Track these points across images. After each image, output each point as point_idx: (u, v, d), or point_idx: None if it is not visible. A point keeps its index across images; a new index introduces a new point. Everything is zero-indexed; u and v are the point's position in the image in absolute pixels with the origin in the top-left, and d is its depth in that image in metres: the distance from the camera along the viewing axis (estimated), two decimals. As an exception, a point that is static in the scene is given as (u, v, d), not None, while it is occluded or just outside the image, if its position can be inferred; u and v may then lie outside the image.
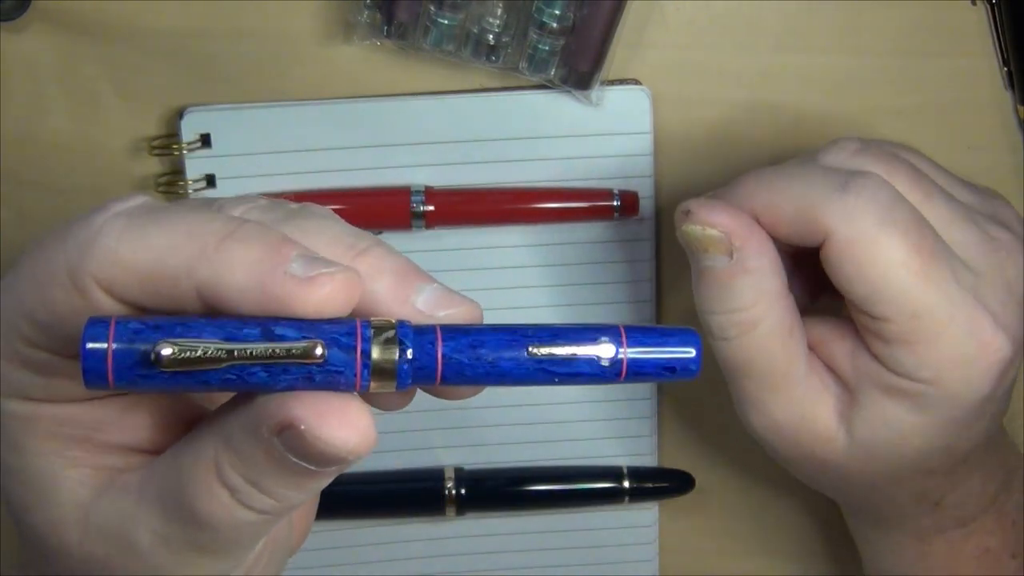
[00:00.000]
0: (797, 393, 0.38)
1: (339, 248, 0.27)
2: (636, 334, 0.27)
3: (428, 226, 0.46)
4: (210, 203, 0.28)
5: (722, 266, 0.36)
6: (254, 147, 0.45)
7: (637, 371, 0.27)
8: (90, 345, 0.24)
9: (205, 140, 0.45)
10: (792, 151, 0.48)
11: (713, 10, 0.46)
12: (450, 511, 0.49)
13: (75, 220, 0.26)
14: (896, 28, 0.47)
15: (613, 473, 0.50)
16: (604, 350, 0.26)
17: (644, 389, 0.49)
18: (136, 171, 0.46)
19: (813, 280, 0.40)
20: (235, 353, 0.24)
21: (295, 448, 0.25)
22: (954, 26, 0.47)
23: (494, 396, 0.49)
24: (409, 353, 0.25)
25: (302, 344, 0.24)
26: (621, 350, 0.26)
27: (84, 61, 0.45)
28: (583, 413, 0.50)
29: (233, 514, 0.26)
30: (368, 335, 0.25)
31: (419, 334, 0.26)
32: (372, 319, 0.26)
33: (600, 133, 0.46)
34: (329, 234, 0.27)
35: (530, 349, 0.26)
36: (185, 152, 0.45)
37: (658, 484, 0.50)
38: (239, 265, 0.25)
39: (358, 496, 0.49)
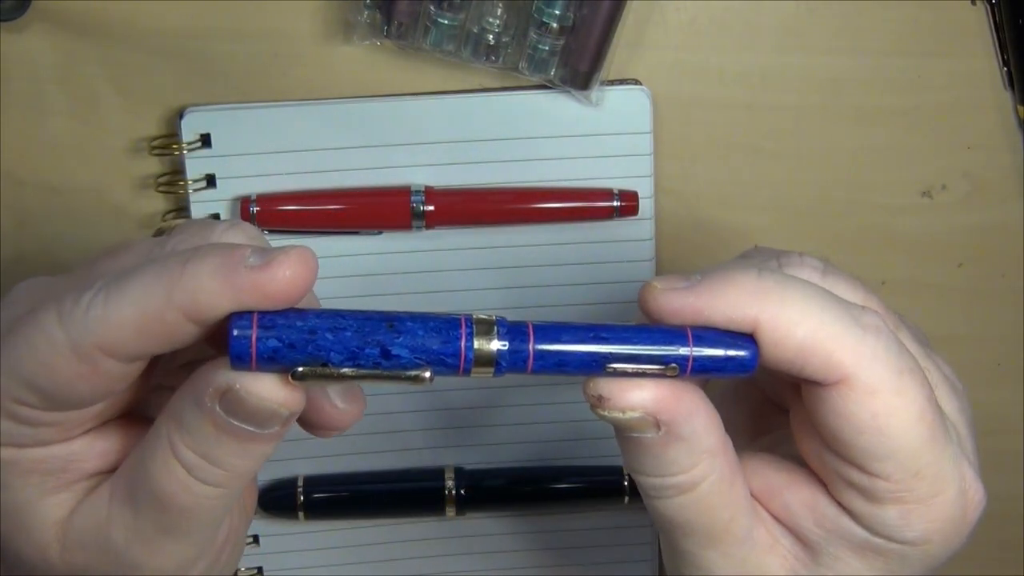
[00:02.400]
0: (742, 551, 0.33)
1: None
2: (702, 335, 0.30)
3: (428, 226, 0.46)
4: (161, 243, 0.31)
5: (652, 436, 0.31)
6: (254, 147, 0.45)
7: (700, 369, 0.30)
8: (236, 333, 0.27)
9: (205, 140, 0.45)
10: (792, 151, 0.48)
11: (713, 10, 0.46)
12: (450, 511, 0.49)
13: (64, 293, 0.29)
14: (896, 28, 0.47)
15: (613, 473, 0.50)
16: (674, 351, 0.30)
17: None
18: (136, 171, 0.46)
19: (755, 415, 0.37)
20: (357, 373, 0.28)
21: (236, 411, 0.28)
22: (954, 26, 0.47)
23: (494, 396, 0.49)
24: (506, 345, 0.29)
25: (413, 372, 0.28)
26: (688, 350, 0.30)
27: (84, 61, 0.45)
28: (583, 413, 0.50)
29: (190, 489, 0.29)
30: (471, 330, 0.29)
31: (514, 329, 0.29)
32: (474, 315, 0.29)
33: (600, 133, 0.46)
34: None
35: (603, 349, 0.30)
36: (185, 152, 0.45)
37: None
38: (205, 277, 0.27)
39: (358, 496, 0.49)
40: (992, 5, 0.46)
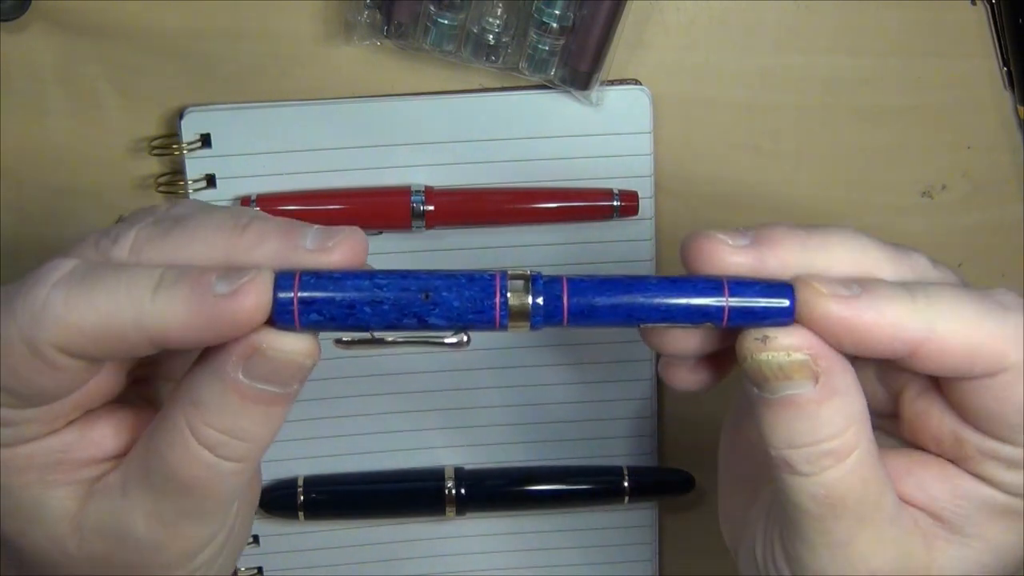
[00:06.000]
0: (893, 531, 0.32)
1: (224, 232, 0.30)
2: (739, 285, 0.30)
3: (428, 226, 0.46)
4: (107, 232, 0.31)
5: (808, 393, 0.30)
6: (254, 147, 0.45)
7: (738, 320, 0.30)
8: (280, 294, 0.28)
9: (205, 140, 0.45)
10: (792, 151, 0.48)
11: (713, 10, 0.46)
12: (450, 511, 0.49)
13: (17, 292, 0.29)
14: (896, 28, 0.47)
15: (613, 473, 0.50)
16: (709, 301, 0.30)
17: (644, 389, 0.49)
18: (136, 171, 0.46)
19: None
20: (396, 338, 0.30)
21: (260, 372, 0.29)
22: (954, 26, 0.47)
23: (494, 396, 0.49)
24: (540, 300, 0.29)
25: (451, 338, 0.30)
26: (724, 300, 0.30)
27: (84, 61, 0.45)
28: (583, 413, 0.50)
29: (215, 469, 0.30)
30: (506, 284, 0.29)
31: (548, 283, 0.30)
32: (509, 270, 0.30)
33: (600, 133, 0.46)
34: (212, 224, 0.30)
35: (641, 299, 0.30)
36: (185, 152, 0.45)
37: (658, 484, 0.50)
38: (173, 309, 0.28)
39: (358, 496, 0.49)
40: (992, 5, 0.46)
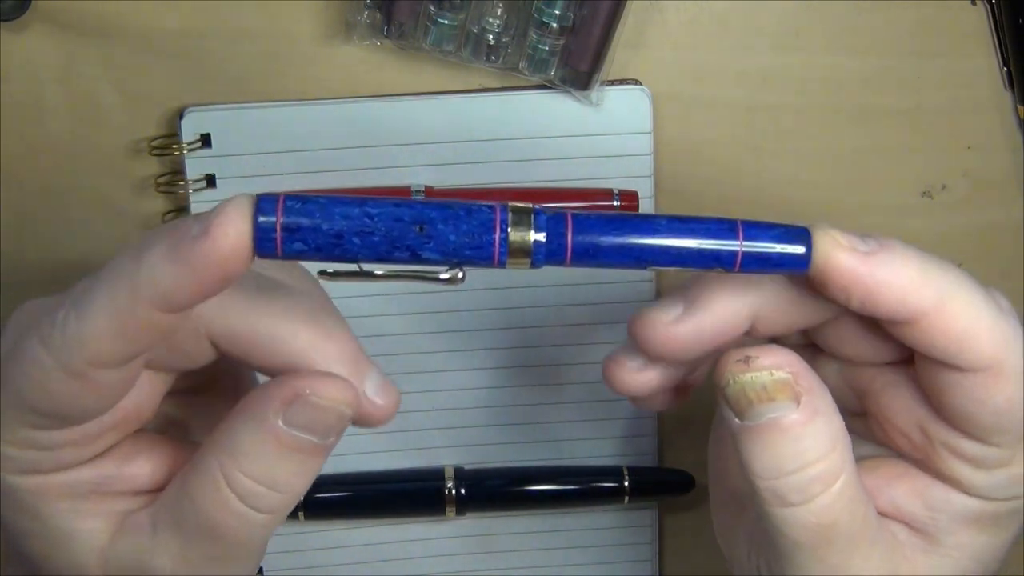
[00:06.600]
0: (878, 551, 0.32)
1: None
2: (754, 228, 0.28)
3: (428, 226, 0.46)
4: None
5: (791, 415, 0.30)
6: (254, 147, 0.45)
7: (752, 265, 0.28)
8: (262, 218, 0.26)
9: (205, 140, 0.45)
10: (792, 151, 0.48)
11: (713, 10, 0.46)
12: (450, 511, 0.49)
13: (40, 322, 0.28)
14: (896, 28, 0.47)
15: (613, 473, 0.50)
16: (722, 244, 0.28)
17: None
18: (136, 171, 0.46)
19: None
20: (387, 272, 0.28)
21: (301, 418, 0.29)
22: (954, 26, 0.47)
23: (494, 396, 0.49)
24: (543, 236, 0.27)
25: (445, 273, 0.28)
26: (738, 244, 0.28)
27: (84, 61, 0.45)
28: (583, 413, 0.50)
29: (246, 519, 0.29)
30: (506, 218, 0.27)
31: (552, 219, 0.28)
32: (511, 204, 0.28)
33: (600, 133, 0.46)
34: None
35: (649, 240, 0.28)
36: (185, 152, 0.45)
37: (658, 484, 0.50)
38: (159, 264, 0.27)
39: (358, 496, 0.49)
40: (992, 5, 0.46)
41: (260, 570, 0.50)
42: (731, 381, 0.30)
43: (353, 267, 0.28)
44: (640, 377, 0.33)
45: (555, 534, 0.51)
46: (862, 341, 0.33)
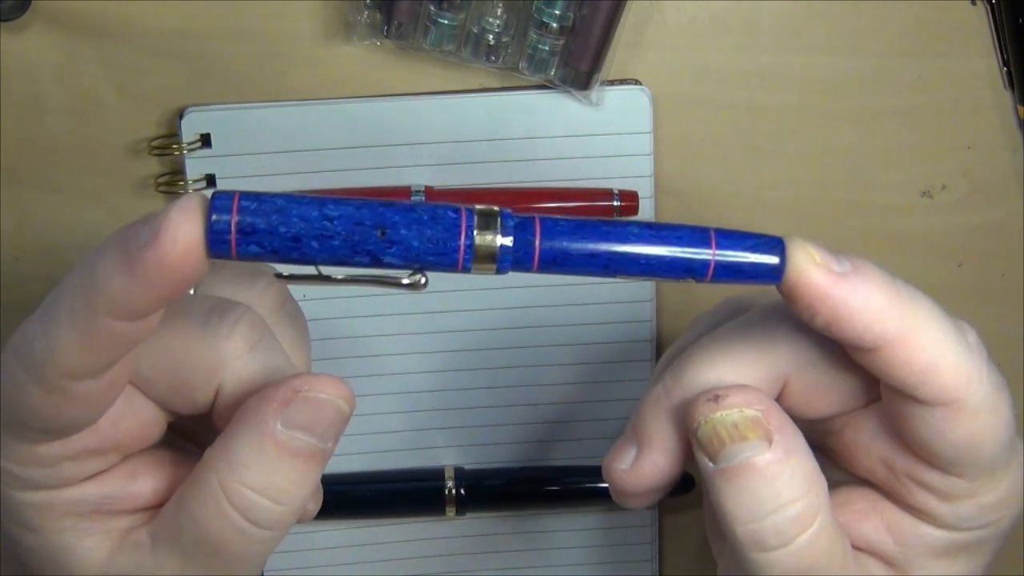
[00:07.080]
0: None
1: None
2: (727, 237, 0.27)
3: (428, 226, 0.46)
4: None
5: (765, 454, 0.29)
6: (254, 147, 0.45)
7: (724, 275, 0.27)
8: (215, 217, 0.25)
9: (205, 140, 0.45)
10: (792, 151, 0.48)
11: (713, 10, 0.46)
12: (450, 511, 0.49)
13: (13, 338, 0.28)
14: (896, 28, 0.47)
15: (613, 473, 0.50)
16: (694, 253, 0.27)
17: (644, 389, 0.49)
18: (136, 171, 0.46)
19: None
20: (346, 276, 0.27)
21: (299, 418, 0.29)
22: (954, 26, 0.47)
23: (494, 396, 0.49)
24: (509, 241, 0.26)
25: (407, 279, 0.27)
26: (711, 253, 0.27)
27: (84, 61, 0.45)
28: (583, 413, 0.50)
29: (246, 534, 0.29)
30: (472, 224, 0.26)
31: (519, 224, 0.27)
32: (476, 207, 0.27)
33: (600, 133, 0.46)
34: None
35: (620, 247, 0.27)
36: (185, 152, 0.45)
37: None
38: (111, 274, 0.26)
39: (358, 496, 0.49)
40: (992, 5, 0.46)
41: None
42: (702, 421, 0.30)
43: (311, 270, 0.27)
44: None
45: (555, 534, 0.51)
46: (828, 398, 0.32)
